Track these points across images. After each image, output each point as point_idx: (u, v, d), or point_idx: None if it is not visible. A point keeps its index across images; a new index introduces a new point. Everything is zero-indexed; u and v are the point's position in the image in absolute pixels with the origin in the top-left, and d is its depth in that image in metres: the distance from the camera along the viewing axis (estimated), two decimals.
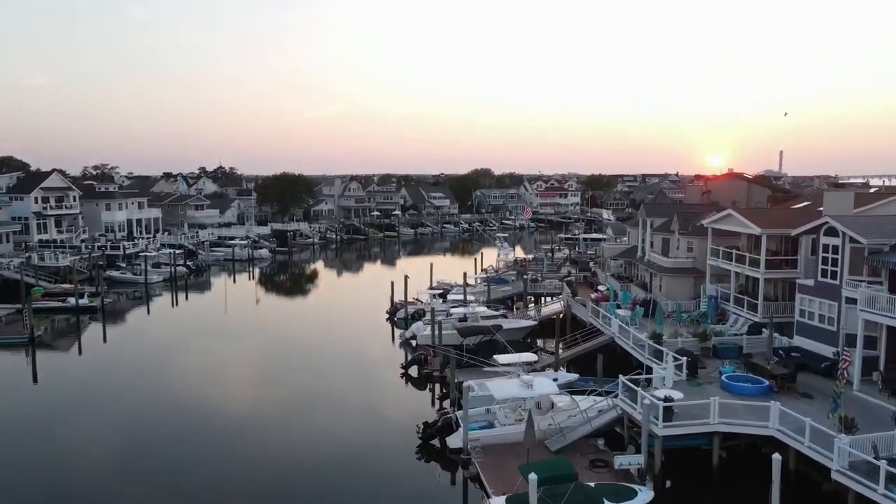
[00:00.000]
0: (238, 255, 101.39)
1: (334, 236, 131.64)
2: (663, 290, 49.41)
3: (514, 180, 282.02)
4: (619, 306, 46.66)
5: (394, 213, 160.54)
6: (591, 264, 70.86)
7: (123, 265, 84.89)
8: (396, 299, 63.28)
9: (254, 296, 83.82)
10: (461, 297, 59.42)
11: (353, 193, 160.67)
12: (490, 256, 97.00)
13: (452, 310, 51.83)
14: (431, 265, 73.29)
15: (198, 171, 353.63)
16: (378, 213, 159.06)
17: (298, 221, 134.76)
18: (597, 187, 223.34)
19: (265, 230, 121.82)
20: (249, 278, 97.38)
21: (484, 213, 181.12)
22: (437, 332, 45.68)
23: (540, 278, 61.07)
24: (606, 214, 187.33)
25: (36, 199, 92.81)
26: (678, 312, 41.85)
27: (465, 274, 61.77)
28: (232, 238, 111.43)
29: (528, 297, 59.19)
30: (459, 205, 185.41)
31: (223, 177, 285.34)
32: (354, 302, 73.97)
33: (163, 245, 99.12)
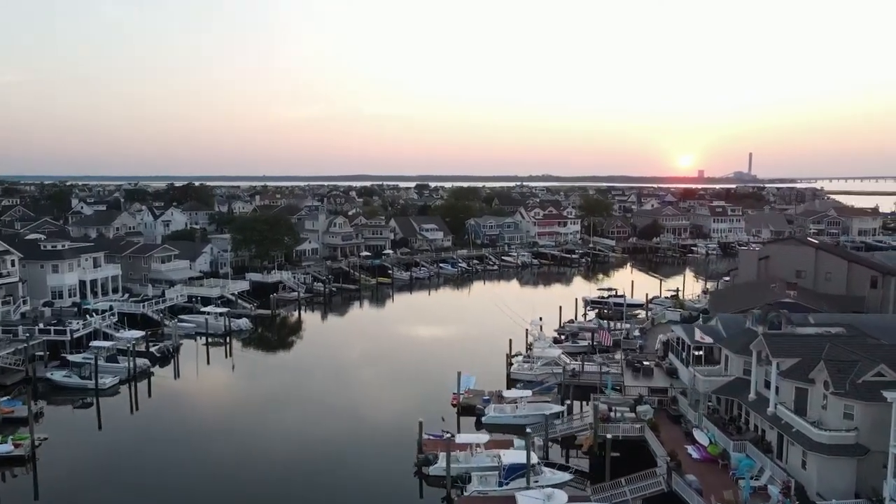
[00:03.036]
0: (212, 327, 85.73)
1: (322, 287, 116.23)
2: (811, 472, 35.86)
3: (503, 199, 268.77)
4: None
5: (385, 251, 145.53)
6: (659, 373, 57.18)
7: (70, 358, 68.95)
8: (425, 434, 49.00)
9: (229, 392, 68.91)
10: (516, 449, 44.90)
11: (339, 230, 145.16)
12: (489, 302, 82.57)
13: (518, 496, 37.43)
14: (459, 375, 58.86)
15: (165, 188, 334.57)
16: (368, 252, 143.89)
17: (280, 269, 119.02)
18: (594, 211, 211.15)
19: (243, 285, 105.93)
20: (226, 356, 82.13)
21: (479, 244, 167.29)
22: None
23: (614, 415, 47.09)
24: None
25: None
26: None
27: (529, 438, 46.55)
28: (206, 301, 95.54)
29: (596, 441, 45.05)
30: (453, 235, 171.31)
31: (193, 193, 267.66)
32: (360, 417, 59.03)
33: (121, 319, 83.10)
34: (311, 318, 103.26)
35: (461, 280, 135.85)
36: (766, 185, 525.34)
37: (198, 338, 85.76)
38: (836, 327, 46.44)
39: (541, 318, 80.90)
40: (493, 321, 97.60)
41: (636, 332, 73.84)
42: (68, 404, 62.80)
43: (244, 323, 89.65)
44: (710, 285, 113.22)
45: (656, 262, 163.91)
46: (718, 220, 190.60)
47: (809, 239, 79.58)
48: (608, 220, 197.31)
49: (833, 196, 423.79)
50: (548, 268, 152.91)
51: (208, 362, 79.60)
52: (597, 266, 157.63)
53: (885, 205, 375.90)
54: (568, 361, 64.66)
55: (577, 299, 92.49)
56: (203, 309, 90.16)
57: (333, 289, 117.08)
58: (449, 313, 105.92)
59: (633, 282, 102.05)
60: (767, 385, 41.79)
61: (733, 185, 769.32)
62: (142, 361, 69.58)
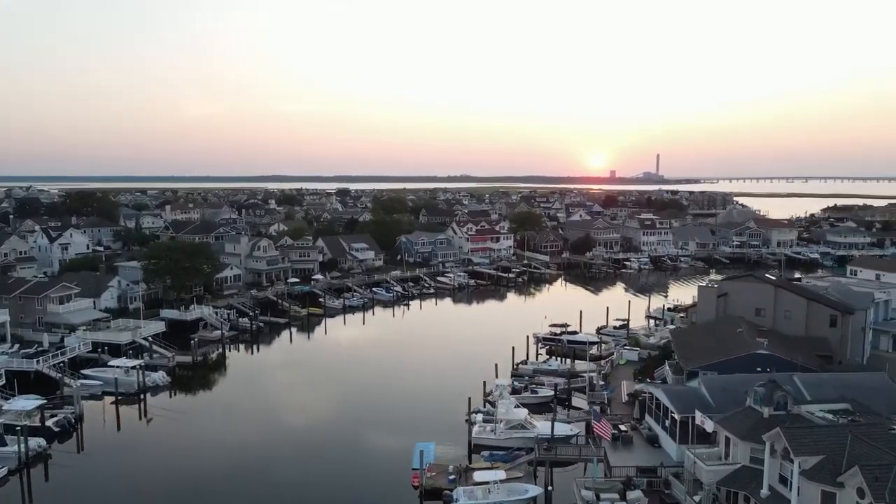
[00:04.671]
0: (123, 384, 74.54)
1: (248, 323, 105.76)
2: None
3: (430, 209, 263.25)
4: None
5: (314, 276, 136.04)
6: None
7: None
8: None
9: (143, 466, 58.98)
10: None
11: (263, 254, 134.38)
12: (430, 332, 75.99)
13: None
14: (422, 455, 51.88)
15: (63, 196, 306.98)
16: (295, 277, 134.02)
17: (200, 301, 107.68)
18: (525, 224, 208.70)
19: (158, 326, 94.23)
20: (140, 417, 71.91)
21: (412, 262, 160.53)
22: None
23: None
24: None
25: None
26: None
27: None
28: (114, 349, 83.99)
29: None
30: (385, 253, 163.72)
31: (94, 204, 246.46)
32: None
33: (9, 380, 70.89)
34: (237, 362, 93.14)
35: (397, 305, 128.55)
36: (679, 190, 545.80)
37: (105, 397, 74.59)
38: (840, 403, 43.05)
39: (496, 366, 75.52)
40: (442, 358, 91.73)
41: (601, 382, 69.33)
42: None
43: (161, 377, 78.66)
44: (653, 309, 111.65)
45: (590, 278, 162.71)
46: (648, 233, 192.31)
47: (767, 276, 77.89)
48: (540, 234, 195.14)
49: (737, 198, 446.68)
50: (485, 288, 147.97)
51: (119, 427, 69.20)
52: (533, 284, 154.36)
53: (784, 207, 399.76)
54: (535, 424, 59.25)
55: (528, 336, 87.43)
56: (111, 362, 78.76)
57: (261, 324, 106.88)
58: (389, 349, 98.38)
59: (581, 311, 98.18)
60: (782, 480, 37.50)
61: (645, 187, 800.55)
62: (36, 442, 58.42)
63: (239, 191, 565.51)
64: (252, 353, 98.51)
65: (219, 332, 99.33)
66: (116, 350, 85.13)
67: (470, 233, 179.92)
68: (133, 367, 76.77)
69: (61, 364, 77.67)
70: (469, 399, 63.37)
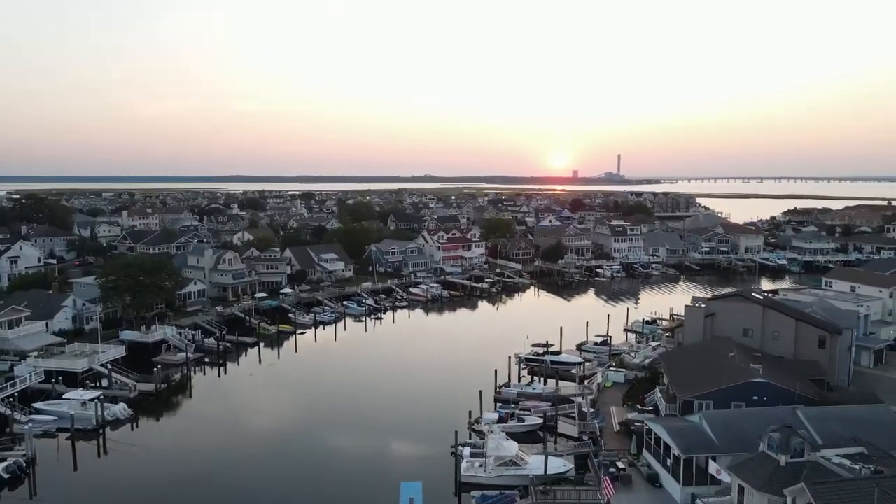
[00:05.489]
0: (80, 419, 69.00)
1: (214, 343, 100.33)
2: None
3: (398, 215, 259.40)
4: None
5: (283, 290, 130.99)
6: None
7: None
8: None
9: None
10: None
11: (229, 267, 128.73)
12: (408, 351, 72.77)
13: None
14: (411, 501, 48.43)
15: (9, 202, 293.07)
16: (263, 292, 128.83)
17: (162, 320, 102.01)
18: (496, 231, 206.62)
19: (117, 350, 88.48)
20: (100, 454, 66.90)
21: (383, 272, 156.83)
22: None
23: None
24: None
25: None
26: None
27: None
28: (69, 378, 78.26)
29: None
30: (354, 262, 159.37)
31: (47, 211, 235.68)
32: None
33: None
34: (204, 388, 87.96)
35: (369, 318, 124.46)
36: (643, 192, 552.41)
37: (60, 433, 68.97)
38: (855, 447, 41.22)
39: (480, 393, 72.64)
40: (420, 377, 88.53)
41: (591, 409, 66.81)
42: None
43: (121, 410, 73.20)
44: (631, 322, 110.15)
45: (564, 286, 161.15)
46: (619, 239, 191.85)
47: (755, 295, 76.69)
48: (512, 242, 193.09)
49: (699, 199, 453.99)
50: (458, 299, 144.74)
51: (75, 468, 63.97)
52: (507, 294, 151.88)
53: (744, 209, 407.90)
54: (527, 459, 56.37)
55: (509, 357, 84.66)
56: (67, 395, 73.06)
57: (228, 344, 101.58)
58: (364, 369, 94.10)
59: (561, 328, 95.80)
60: None
61: (609, 187, 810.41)
62: None
63: (198, 192, 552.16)
64: (220, 375, 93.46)
65: (183, 354, 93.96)
66: (72, 379, 79.53)
67: (441, 241, 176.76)
68: (91, 400, 71.22)
69: (11, 398, 71.70)
70: (456, 433, 60.09)
